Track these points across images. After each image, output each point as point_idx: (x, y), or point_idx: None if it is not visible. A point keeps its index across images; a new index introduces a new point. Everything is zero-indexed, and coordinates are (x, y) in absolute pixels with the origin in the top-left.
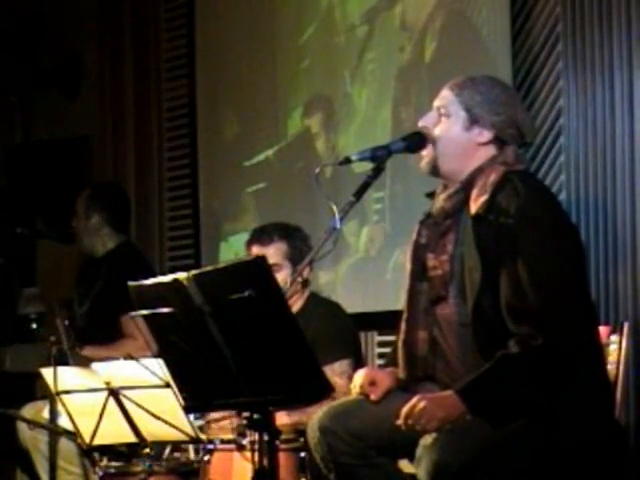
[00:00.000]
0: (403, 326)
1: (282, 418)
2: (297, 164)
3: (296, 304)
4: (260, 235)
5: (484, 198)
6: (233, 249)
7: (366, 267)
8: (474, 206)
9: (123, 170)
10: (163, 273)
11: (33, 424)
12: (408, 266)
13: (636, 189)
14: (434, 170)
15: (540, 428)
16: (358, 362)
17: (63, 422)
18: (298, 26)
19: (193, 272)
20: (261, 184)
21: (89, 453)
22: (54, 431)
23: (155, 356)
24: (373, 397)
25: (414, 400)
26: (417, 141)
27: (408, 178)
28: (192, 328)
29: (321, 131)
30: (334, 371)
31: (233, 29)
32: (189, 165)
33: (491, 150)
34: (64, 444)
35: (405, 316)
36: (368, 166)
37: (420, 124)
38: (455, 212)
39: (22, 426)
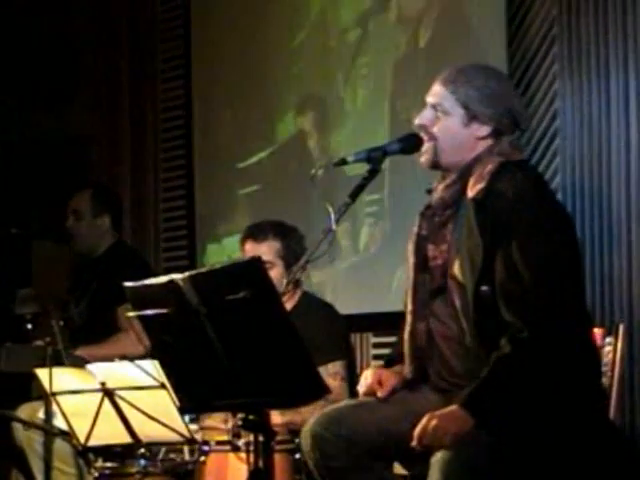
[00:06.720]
0: (409, 318)
1: (275, 417)
2: (290, 166)
3: (288, 304)
4: (255, 231)
5: (481, 185)
6: (226, 251)
7: (362, 269)
8: (471, 192)
9: (119, 171)
10: (158, 274)
11: (28, 424)
12: (410, 259)
13: (631, 191)
14: (435, 165)
15: (536, 430)
16: (349, 363)
17: (58, 423)
18: (291, 30)
19: (189, 273)
20: (255, 186)
21: (84, 454)
22: (49, 432)
23: (148, 351)
24: (380, 394)
25: (424, 420)
26: (412, 142)
27: (407, 176)
28: (188, 329)
29: (314, 132)
30: (327, 372)
31: (228, 32)
32: (184, 167)
33: (489, 141)
34: (59, 444)
35: (410, 308)
36: (363, 167)
37: (417, 122)
38: (454, 202)
39: (17, 426)
